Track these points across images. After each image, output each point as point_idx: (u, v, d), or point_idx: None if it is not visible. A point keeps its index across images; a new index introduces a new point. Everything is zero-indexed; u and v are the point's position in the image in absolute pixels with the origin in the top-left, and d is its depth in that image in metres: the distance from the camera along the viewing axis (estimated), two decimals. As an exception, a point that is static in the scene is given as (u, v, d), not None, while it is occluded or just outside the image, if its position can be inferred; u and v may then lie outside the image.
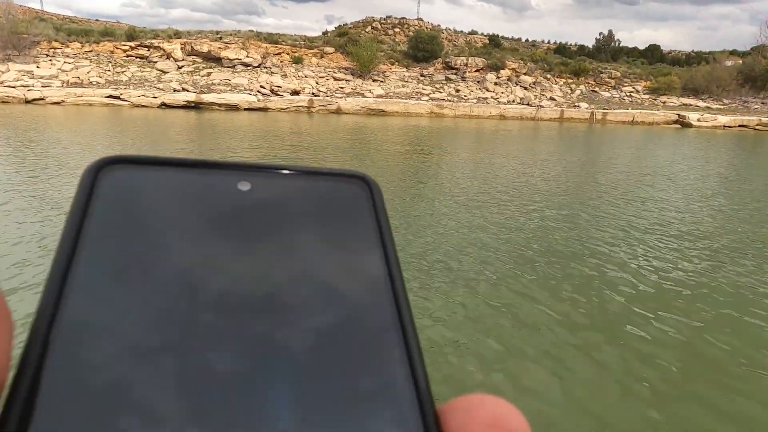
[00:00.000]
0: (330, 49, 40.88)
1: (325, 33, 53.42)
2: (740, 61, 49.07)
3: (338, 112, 31.21)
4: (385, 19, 57.98)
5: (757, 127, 34.27)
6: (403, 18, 58.61)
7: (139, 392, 0.21)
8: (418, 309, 4.57)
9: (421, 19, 59.26)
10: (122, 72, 33.38)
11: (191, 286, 0.25)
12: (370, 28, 55.67)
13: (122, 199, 0.27)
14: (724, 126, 34.24)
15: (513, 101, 37.61)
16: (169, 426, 0.20)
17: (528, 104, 36.77)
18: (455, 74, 40.83)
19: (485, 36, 64.07)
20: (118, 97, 28.51)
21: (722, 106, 40.00)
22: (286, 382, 0.23)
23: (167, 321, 0.23)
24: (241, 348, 0.23)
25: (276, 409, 0.22)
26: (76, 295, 0.23)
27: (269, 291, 0.25)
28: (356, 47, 39.19)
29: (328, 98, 32.46)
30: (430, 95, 36.86)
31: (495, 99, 37.77)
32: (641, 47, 63.84)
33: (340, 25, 58.46)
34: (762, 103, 41.14)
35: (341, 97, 33.09)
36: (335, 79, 37.23)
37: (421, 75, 40.67)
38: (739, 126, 34.43)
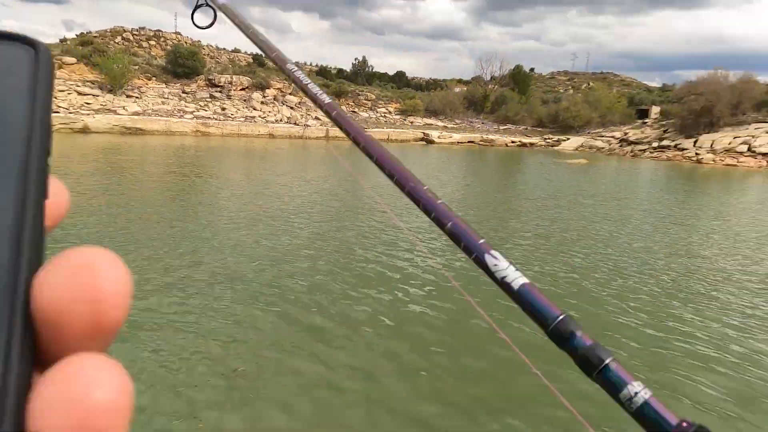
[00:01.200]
0: (71, 60, 35.91)
1: (63, 40, 46.66)
2: (465, 89, 59.46)
3: (85, 131, 27.60)
4: (138, 31, 53.26)
5: (480, 142, 42.00)
6: (158, 30, 54.65)
7: None
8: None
9: (180, 33, 56.25)
10: None
11: None
12: (120, 38, 50.53)
13: None
14: (458, 142, 41.17)
15: (281, 120, 38.55)
16: None
17: (295, 123, 38.13)
18: (220, 92, 39.95)
19: (249, 55, 64.08)
20: None
21: (455, 126, 47.76)
22: None
23: None
24: None
25: None
26: None
27: None
28: (105, 59, 35.33)
29: (72, 115, 28.45)
30: (194, 113, 35.36)
31: (263, 118, 38.18)
32: (390, 73, 71.96)
33: (82, 33, 51.81)
34: (482, 123, 50.50)
35: (88, 114, 29.37)
36: (79, 93, 32.81)
37: (183, 92, 38.70)
38: (468, 141, 41.74)
